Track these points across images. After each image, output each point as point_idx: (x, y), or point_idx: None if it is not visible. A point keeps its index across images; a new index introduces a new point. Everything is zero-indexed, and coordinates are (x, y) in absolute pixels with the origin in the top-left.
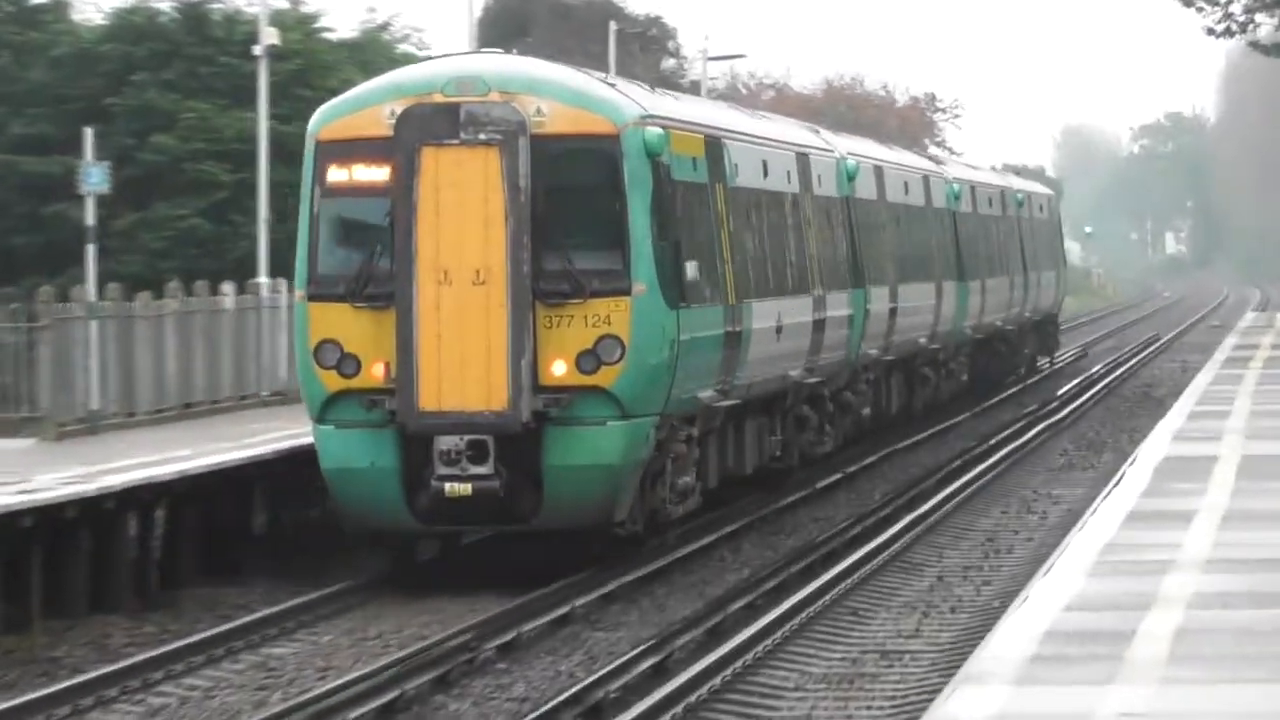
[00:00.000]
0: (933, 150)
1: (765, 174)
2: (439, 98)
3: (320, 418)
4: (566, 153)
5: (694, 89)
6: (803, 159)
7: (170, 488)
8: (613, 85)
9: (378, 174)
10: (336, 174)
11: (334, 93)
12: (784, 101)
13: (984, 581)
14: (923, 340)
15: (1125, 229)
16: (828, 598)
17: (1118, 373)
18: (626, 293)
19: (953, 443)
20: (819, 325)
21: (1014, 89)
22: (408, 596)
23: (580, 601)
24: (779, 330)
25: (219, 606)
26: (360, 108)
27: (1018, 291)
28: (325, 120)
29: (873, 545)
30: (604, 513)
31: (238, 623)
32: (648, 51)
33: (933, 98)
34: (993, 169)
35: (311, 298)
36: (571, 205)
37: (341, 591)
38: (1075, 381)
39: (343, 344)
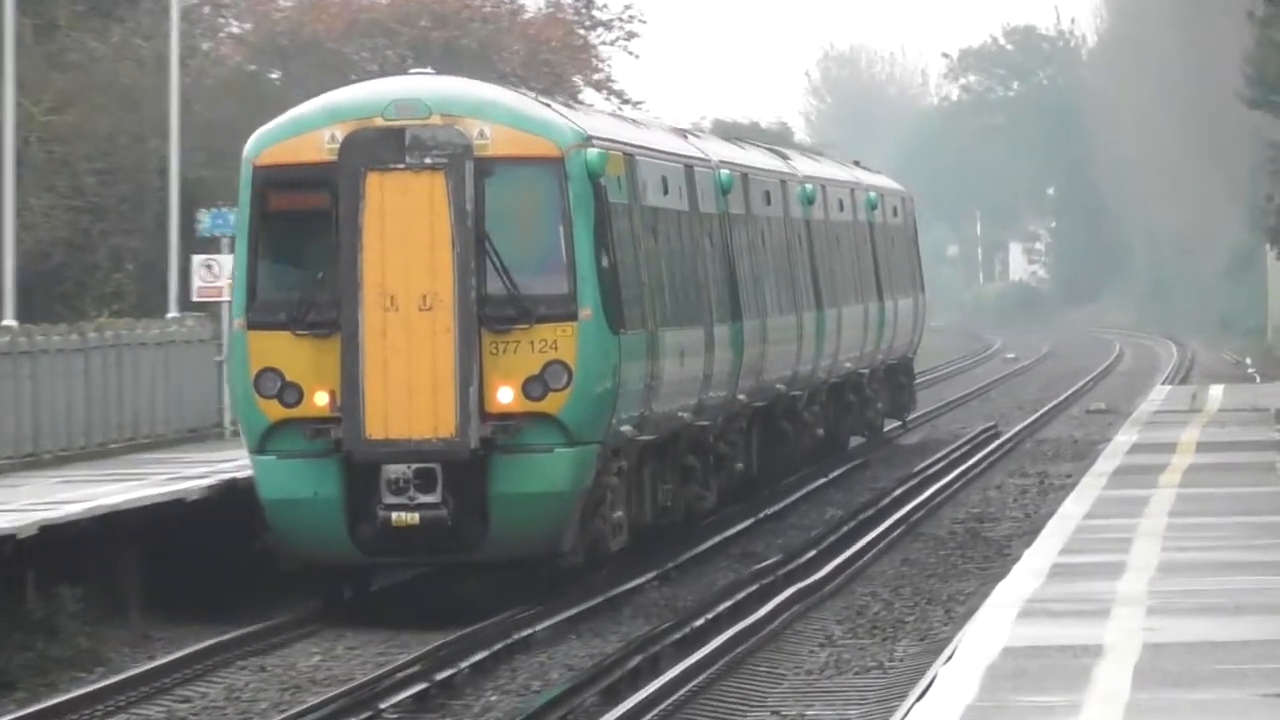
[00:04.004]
0: (589, 94)
1: (665, 191)
2: (380, 121)
3: (260, 448)
4: (511, 176)
5: None
6: (689, 172)
7: None
8: (548, 105)
9: (318, 199)
10: (276, 200)
11: None
12: (319, 10)
13: None
14: (781, 386)
15: (937, 237)
16: None
17: (925, 494)
18: (573, 318)
19: (628, 623)
20: (709, 361)
21: None
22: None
23: None
24: (682, 363)
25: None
26: (298, 132)
27: (873, 326)
28: (263, 145)
29: None
30: (551, 542)
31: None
32: None
33: (588, 5)
34: (685, 132)
35: (251, 326)
36: (516, 229)
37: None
38: (852, 511)
39: (284, 372)
